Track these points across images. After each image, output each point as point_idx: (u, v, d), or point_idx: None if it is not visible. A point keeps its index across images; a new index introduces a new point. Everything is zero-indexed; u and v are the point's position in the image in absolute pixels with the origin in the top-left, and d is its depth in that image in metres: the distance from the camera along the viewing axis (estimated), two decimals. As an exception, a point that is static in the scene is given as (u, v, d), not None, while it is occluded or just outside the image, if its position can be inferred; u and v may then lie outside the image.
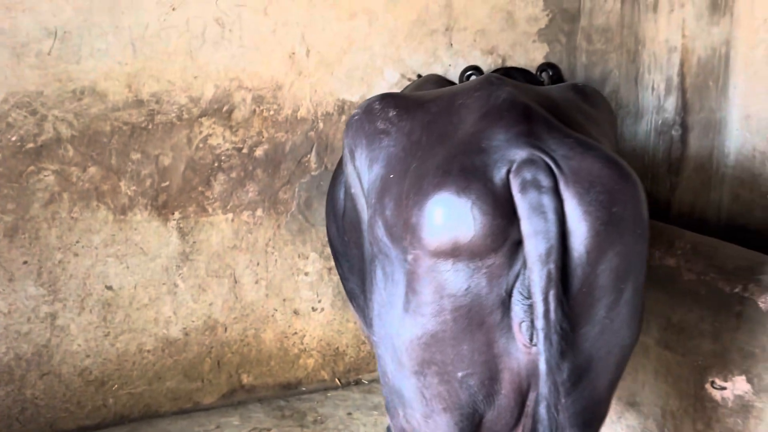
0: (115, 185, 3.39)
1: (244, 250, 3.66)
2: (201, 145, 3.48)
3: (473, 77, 3.55)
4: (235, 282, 3.67)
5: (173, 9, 3.33)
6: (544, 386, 1.64)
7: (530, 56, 4.03)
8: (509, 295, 1.68)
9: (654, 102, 3.92)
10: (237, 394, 3.78)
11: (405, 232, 1.73)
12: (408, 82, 3.75)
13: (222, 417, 3.63)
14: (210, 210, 3.56)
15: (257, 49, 3.50)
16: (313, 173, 3.70)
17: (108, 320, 3.48)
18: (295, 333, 3.85)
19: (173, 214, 3.50)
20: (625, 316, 1.78)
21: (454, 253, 1.65)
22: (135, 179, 3.41)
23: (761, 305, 2.58)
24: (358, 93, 3.72)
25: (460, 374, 1.75)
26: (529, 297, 1.65)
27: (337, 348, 3.95)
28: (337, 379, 3.97)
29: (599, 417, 1.93)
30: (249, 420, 3.61)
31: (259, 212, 3.65)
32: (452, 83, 3.33)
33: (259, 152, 3.59)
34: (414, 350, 1.78)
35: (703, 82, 3.79)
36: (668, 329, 2.98)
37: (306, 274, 3.82)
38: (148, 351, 3.58)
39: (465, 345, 1.72)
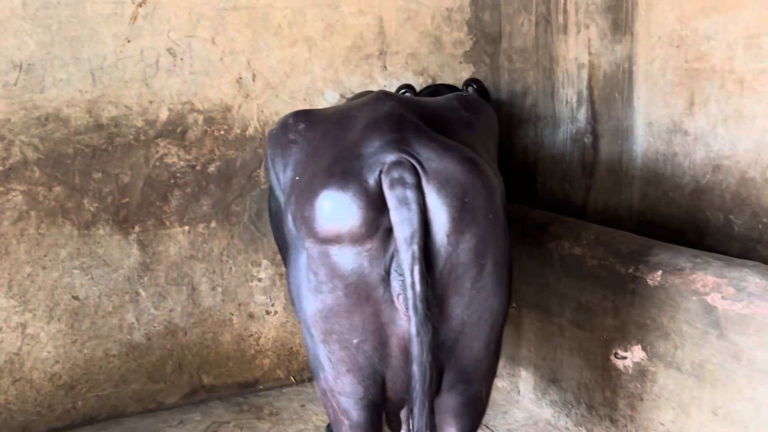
0: (78, 203, 3.69)
1: (200, 259, 3.97)
2: (158, 164, 3.81)
3: (406, 95, 3.95)
4: (193, 289, 3.97)
5: (128, 41, 3.67)
6: (414, 347, 1.99)
7: (458, 76, 4.45)
8: (388, 273, 2.04)
9: (568, 113, 4.36)
10: (198, 394, 4.07)
11: (302, 223, 2.09)
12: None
13: (184, 414, 3.92)
14: (167, 223, 3.87)
15: (207, 75, 3.85)
16: (262, 186, 4.04)
17: (75, 328, 3.76)
18: (251, 335, 4.16)
19: (133, 227, 3.81)
20: (491, 287, 2.14)
21: (338, 240, 2.02)
22: (97, 197, 3.72)
23: (649, 282, 2.99)
24: (301, 113, 4.09)
25: (355, 341, 2.11)
26: (402, 274, 2.00)
27: (291, 348, 4.27)
28: (291, 377, 4.28)
29: (482, 373, 2.27)
30: (210, 415, 3.90)
31: (213, 224, 3.97)
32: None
33: (211, 169, 3.93)
34: (318, 322, 2.14)
35: (609, 95, 4.24)
36: (578, 310, 3.38)
37: (259, 280, 4.15)
38: (114, 356, 3.85)
39: (356, 316, 2.08)
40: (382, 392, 2.21)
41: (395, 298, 2.06)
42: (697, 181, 3.97)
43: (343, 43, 4.14)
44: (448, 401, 2.26)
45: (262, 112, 4.00)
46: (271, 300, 4.19)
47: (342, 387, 2.19)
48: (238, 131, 3.97)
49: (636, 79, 4.24)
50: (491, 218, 2.09)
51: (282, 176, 2.38)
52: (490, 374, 2.34)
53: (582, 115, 4.31)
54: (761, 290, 2.57)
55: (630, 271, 3.08)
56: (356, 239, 2.00)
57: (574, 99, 4.32)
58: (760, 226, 3.64)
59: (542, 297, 3.59)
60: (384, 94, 2.33)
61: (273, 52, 3.98)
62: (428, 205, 2.00)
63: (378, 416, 2.28)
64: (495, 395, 4.01)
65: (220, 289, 4.04)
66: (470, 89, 3.94)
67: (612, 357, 3.21)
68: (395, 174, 1.98)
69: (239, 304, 4.10)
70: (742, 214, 3.71)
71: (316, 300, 2.12)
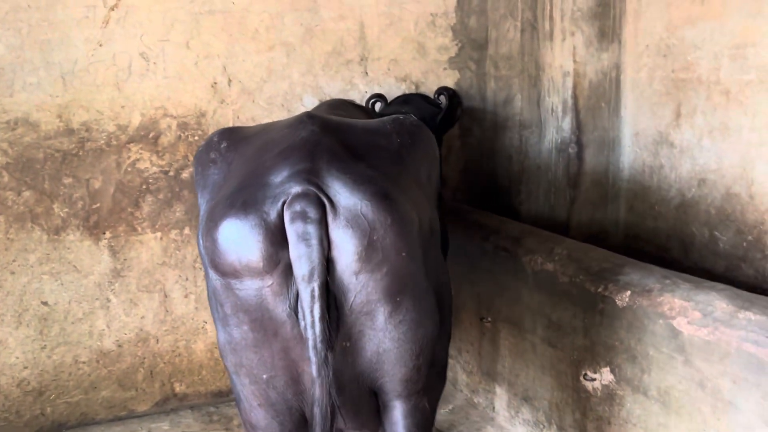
0: (48, 208, 3.65)
1: (173, 266, 3.92)
2: (129, 169, 3.76)
3: (377, 104, 3.87)
4: (165, 296, 3.92)
5: (100, 45, 3.62)
6: (315, 389, 1.89)
7: (442, 82, 4.35)
8: (294, 310, 1.93)
9: (554, 122, 4.25)
10: (170, 402, 4.02)
11: (205, 253, 2.01)
12: (327, 108, 4.05)
13: (153, 423, 3.87)
14: (139, 229, 3.83)
15: (181, 79, 3.79)
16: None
17: (44, 334, 3.73)
18: (226, 343, 4.10)
19: (104, 233, 3.76)
20: (411, 321, 2.04)
21: (237, 274, 1.92)
22: (67, 202, 3.68)
23: (618, 302, 2.88)
24: (279, 118, 4.01)
25: (265, 376, 2.01)
26: None
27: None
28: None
29: (417, 389, 2.17)
30: (179, 425, 3.85)
31: (186, 230, 3.92)
32: (361, 107, 3.63)
33: (185, 174, 3.87)
34: (228, 354, 2.06)
35: (595, 104, 4.13)
36: (550, 327, 3.27)
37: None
38: (84, 362, 3.81)
39: (265, 352, 1.98)
40: (303, 428, 2.11)
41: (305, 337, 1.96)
42: (683, 195, 3.84)
43: (323, 48, 4.06)
44: (390, 414, 2.20)
45: (238, 117, 3.93)
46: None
47: (257, 421, 2.10)
48: (213, 137, 3.91)
49: (623, 89, 4.13)
50: (405, 255, 1.98)
51: (200, 197, 2.28)
52: (431, 386, 2.26)
53: (567, 124, 4.20)
54: (728, 316, 2.45)
55: (599, 290, 2.97)
56: (255, 274, 1.91)
57: (560, 108, 4.21)
58: (744, 244, 3.51)
59: (516, 312, 3.49)
60: (307, 117, 2.18)
61: (250, 57, 3.91)
62: (334, 242, 1.90)
63: None
64: (470, 411, 3.92)
65: (193, 297, 3.99)
66: (442, 98, 3.84)
67: (581, 378, 3.11)
68: (297, 207, 1.87)
69: (213, 312, 4.04)
70: (727, 231, 3.59)
71: (224, 332, 2.04)
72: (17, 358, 3.70)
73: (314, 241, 1.85)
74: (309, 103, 4.07)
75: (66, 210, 3.68)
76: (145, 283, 3.88)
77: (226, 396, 4.12)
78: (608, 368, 2.96)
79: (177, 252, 3.92)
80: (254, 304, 1.93)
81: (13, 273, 3.63)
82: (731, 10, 3.34)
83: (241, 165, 2.14)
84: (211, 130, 3.89)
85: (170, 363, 4.00)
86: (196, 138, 3.88)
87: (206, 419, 3.90)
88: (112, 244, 3.79)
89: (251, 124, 3.96)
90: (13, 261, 3.63)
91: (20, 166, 3.58)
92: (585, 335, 3.07)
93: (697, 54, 3.63)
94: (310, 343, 1.85)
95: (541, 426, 3.42)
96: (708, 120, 3.62)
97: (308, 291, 1.84)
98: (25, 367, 3.72)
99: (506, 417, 3.69)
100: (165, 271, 3.91)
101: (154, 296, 3.91)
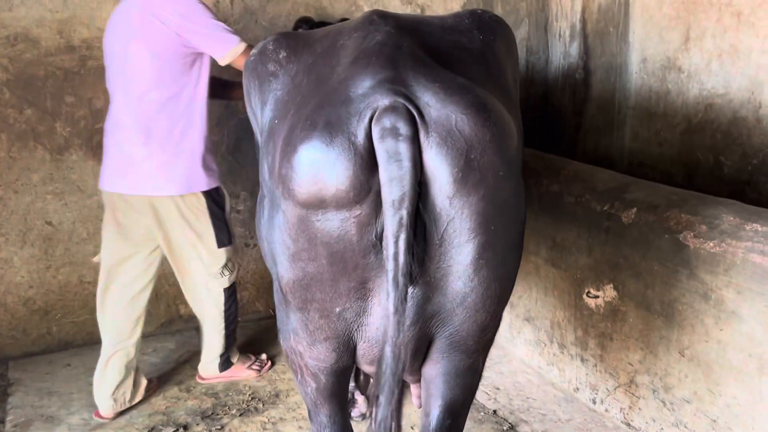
0: (51, 126, 3.62)
1: (177, 188, 3.90)
2: (132, 89, 3.71)
3: (301, 29, 3.48)
4: (170, 218, 3.92)
5: (100, -41, 3.54)
6: (390, 326, 1.69)
7: (448, 5, 4.28)
8: (379, 239, 1.74)
9: (561, 48, 4.19)
10: (175, 324, 4.07)
11: (279, 181, 1.77)
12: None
13: (159, 342, 3.93)
14: (143, 150, 3.79)
15: (183, -3, 3.71)
16: (240, 116, 3.94)
17: (49, 253, 3.74)
18: (229, 267, 4.11)
19: (108, 153, 3.73)
20: (501, 254, 1.83)
21: (321, 204, 1.70)
22: (70, 121, 3.64)
23: (624, 219, 2.89)
24: (282, 40, 3.95)
25: (338, 309, 1.85)
26: None
27: (270, 281, 4.22)
28: (270, 310, 4.26)
29: (483, 344, 1.99)
30: (183, 345, 3.90)
31: (190, 153, 3.89)
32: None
33: (188, 96, 3.82)
34: (297, 291, 1.86)
35: (604, 28, 4.06)
36: (554, 248, 3.30)
37: (238, 212, 4.09)
38: (89, 282, 3.83)
39: (341, 285, 1.80)
40: (353, 359, 2.00)
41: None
42: (689, 121, 3.82)
43: (327, -33, 3.98)
44: (438, 369, 1.98)
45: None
46: (250, 232, 4.14)
47: (317, 354, 1.96)
48: (216, 57, 3.85)
49: (632, 13, 4.05)
50: (502, 175, 1.74)
51: (259, 114, 2.04)
52: (491, 344, 2.05)
53: (574, 49, 4.14)
54: (734, 228, 2.47)
55: (605, 208, 2.98)
56: (343, 204, 1.69)
57: (567, 33, 4.14)
58: (749, 168, 3.51)
59: (520, 235, 3.51)
60: (378, 16, 1.90)
61: (253, -25, 3.83)
62: (426, 162, 1.67)
63: (346, 380, 2.08)
64: (472, 333, 3.97)
65: (197, 220, 3.98)
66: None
67: (584, 296, 3.14)
68: (387, 122, 1.63)
69: (217, 236, 4.04)
70: (732, 155, 3.58)
71: (294, 267, 1.83)
72: (22, 277, 3.72)
73: (407, 162, 1.62)
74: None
75: (69, 129, 3.65)
76: (149, 205, 3.87)
77: (230, 318, 4.16)
78: (611, 285, 3.00)
79: (180, 174, 3.89)
80: (337, 236, 1.73)
81: (16, 192, 3.62)
82: (747, -73, 3.27)
83: (309, 77, 1.89)
84: (213, 51, 3.82)
85: (175, 285, 3.99)
86: (199, 58, 3.81)
87: (211, 339, 3.94)
88: (116, 164, 3.76)
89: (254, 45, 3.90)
90: (17, 180, 3.61)
91: (21, 84, 3.53)
92: (589, 254, 3.09)
93: (709, -26, 3.56)
94: (391, 275, 1.65)
95: (542, 345, 3.47)
96: (717, 43, 3.57)
97: (396, 218, 1.63)
98: (31, 287, 3.74)
99: (507, 338, 3.74)
100: (169, 193, 3.89)
101: (158, 218, 3.90)
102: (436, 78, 1.74)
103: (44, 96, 3.57)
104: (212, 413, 3.23)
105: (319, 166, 1.67)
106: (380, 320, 1.86)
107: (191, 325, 4.07)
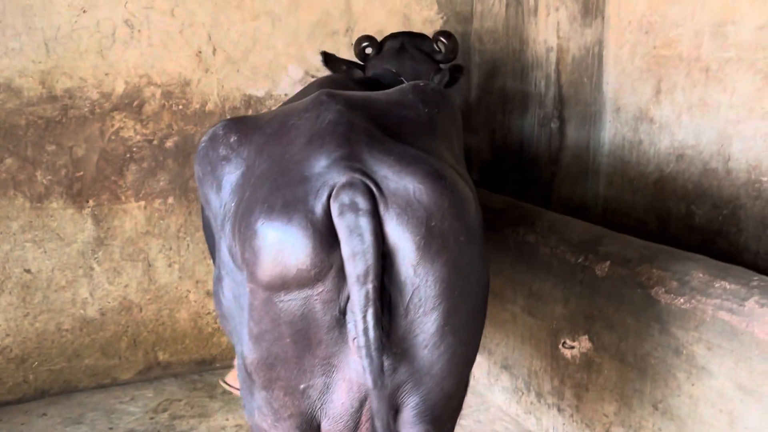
0: (31, 175, 3.63)
1: (156, 235, 3.92)
2: (113, 137, 3.75)
3: (368, 49, 3.52)
4: (149, 265, 3.93)
5: (84, 11, 3.59)
6: (373, 400, 1.73)
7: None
8: (343, 314, 1.75)
9: (536, 97, 4.29)
10: (153, 371, 4.05)
11: (243, 264, 1.78)
12: (312, 79, 4.05)
13: (137, 390, 3.90)
14: (123, 198, 3.82)
15: (165, 47, 3.77)
16: (221, 163, 3.97)
17: (27, 301, 3.72)
18: (209, 313, 4.12)
19: (88, 201, 3.75)
20: (466, 318, 1.85)
21: (284, 286, 1.70)
22: (50, 169, 3.66)
23: (597, 272, 2.95)
24: (263, 88, 4.02)
25: (302, 386, 1.84)
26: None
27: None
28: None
29: (451, 412, 2.00)
30: (162, 393, 3.88)
31: (170, 200, 3.92)
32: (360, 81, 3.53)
33: (169, 144, 3.86)
34: (261, 370, 1.86)
35: (578, 79, 4.17)
36: (530, 297, 3.35)
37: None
38: (67, 330, 3.82)
39: (306, 362, 1.80)
40: None
41: (350, 342, 1.78)
42: (661, 170, 3.92)
43: (308, 18, 4.05)
44: None
45: (222, 87, 3.93)
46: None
47: (281, 431, 1.94)
48: (197, 106, 3.90)
49: (606, 64, 4.17)
50: (463, 240, 1.79)
51: (214, 198, 2.05)
52: (458, 412, 2.05)
53: (549, 99, 4.24)
54: (703, 285, 2.53)
55: (580, 260, 3.04)
56: (305, 283, 1.70)
57: (543, 82, 4.25)
58: (720, 218, 3.60)
59: (497, 284, 3.56)
60: (327, 95, 1.93)
61: (234, 26, 3.90)
62: (388, 234, 1.69)
63: None
64: (451, 380, 3.99)
65: (177, 266, 4.00)
66: (440, 44, 3.54)
67: (560, 346, 3.19)
68: (345, 198, 1.65)
69: (197, 282, 4.06)
70: (703, 205, 3.67)
71: (259, 348, 1.83)
72: (0, 325, 3.69)
73: (368, 236, 1.64)
74: (294, 73, 4.07)
75: (49, 177, 3.66)
76: (129, 252, 3.88)
77: (209, 364, 4.16)
78: (587, 336, 3.04)
79: (161, 221, 3.92)
80: (301, 315, 1.73)
81: (-5, 240, 3.62)
82: (713, -12, 3.39)
83: (261, 158, 1.91)
84: (195, 100, 3.89)
85: (154, 332, 4.02)
86: (180, 107, 3.87)
87: (190, 387, 3.93)
88: (96, 212, 3.78)
89: (236, 93, 3.97)
90: (-4, 228, 3.61)
91: (2, 133, 3.55)
92: (565, 305, 3.14)
93: (678, 31, 3.68)
94: (364, 351, 1.66)
95: (520, 393, 3.50)
96: (687, 97, 3.69)
97: (362, 293, 1.64)
98: (8, 335, 3.72)
99: (485, 384, 3.77)
100: (148, 240, 3.91)
101: (138, 265, 3.91)
102: (390, 151, 1.79)
103: (25, 144, 3.59)
104: (190, 465, 3.22)
105: (279, 248, 1.68)
106: (345, 395, 1.86)
107: (169, 372, 4.06)
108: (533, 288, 3.32)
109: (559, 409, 3.25)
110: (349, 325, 1.76)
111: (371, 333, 1.65)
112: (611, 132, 4.24)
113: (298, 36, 4.04)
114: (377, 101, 2.09)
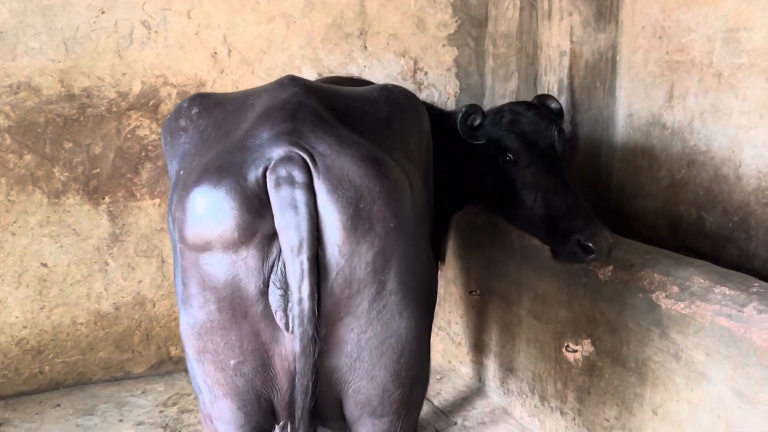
0: (49, 171, 3.72)
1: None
2: (129, 136, 3.83)
3: (472, 118, 3.15)
4: (163, 262, 4.00)
5: (102, 12, 3.67)
6: (298, 371, 1.73)
7: (441, 58, 4.40)
8: (267, 286, 1.75)
9: (549, 101, 4.29)
10: (165, 365, 4.12)
11: (175, 225, 1.82)
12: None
13: (148, 384, 3.98)
14: (138, 195, 3.90)
15: (182, 48, 3.84)
16: (235, 163, 4.03)
17: (43, 294, 3.82)
18: (221, 310, 4.18)
19: (104, 198, 3.84)
20: (395, 307, 1.84)
21: (208, 246, 1.72)
22: (68, 166, 3.75)
23: (600, 276, 2.95)
24: (277, 90, 4.07)
25: (232, 362, 1.83)
26: (282, 287, 1.73)
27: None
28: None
29: (393, 406, 1.95)
30: (173, 387, 3.95)
31: (184, 198, 3.98)
32: (363, 82, 3.61)
33: (184, 143, 3.93)
34: (190, 339, 1.86)
35: (591, 83, 4.17)
36: (535, 300, 3.35)
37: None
38: (81, 323, 3.91)
39: (232, 334, 1.80)
40: (270, 419, 1.94)
41: (274, 315, 1.78)
42: (672, 176, 3.90)
43: (323, 21, 4.10)
44: None
45: (237, 87, 3.99)
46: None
47: (220, 413, 1.91)
48: (212, 106, 3.96)
49: (619, 69, 4.16)
50: (393, 227, 1.78)
51: (170, 168, 2.11)
52: (408, 407, 1.99)
53: (562, 103, 4.24)
54: (703, 290, 2.52)
55: (583, 264, 3.04)
56: (229, 246, 1.71)
57: (555, 87, 4.25)
58: (730, 224, 3.57)
59: (504, 285, 3.57)
60: (289, 79, 2.00)
61: (250, 28, 3.96)
62: (319, 209, 1.71)
63: None
64: (457, 381, 4.01)
65: (189, 263, 4.06)
66: (553, 105, 3.43)
67: (564, 350, 3.19)
68: (282, 171, 1.69)
69: (209, 279, 4.12)
70: (713, 211, 3.65)
71: (186, 314, 1.84)
72: (17, 317, 3.79)
73: (303, 208, 1.67)
74: (308, 76, 4.11)
75: (66, 174, 3.75)
76: (143, 248, 3.96)
77: (220, 361, 4.21)
78: (589, 340, 3.04)
79: (174, 218, 3.98)
80: (224, 280, 1.74)
81: (13, 234, 3.71)
82: (726, -6, 3.37)
83: (215, 131, 1.96)
84: (210, 100, 3.95)
85: (166, 327, 4.09)
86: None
87: (200, 382, 3.99)
88: (111, 209, 3.86)
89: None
90: (14, 222, 3.71)
91: (22, 130, 3.64)
92: (569, 308, 3.14)
93: (691, 37, 3.66)
94: (296, 321, 1.69)
95: (525, 396, 3.50)
96: (700, 102, 3.67)
97: (297, 264, 1.66)
98: (24, 327, 3.81)
99: (492, 387, 3.78)
100: (163, 237, 3.98)
101: (152, 261, 3.99)
102: (333, 133, 1.82)
103: (44, 142, 3.69)
104: (195, 458, 3.27)
105: (205, 207, 1.71)
106: (282, 371, 1.86)
107: (181, 367, 4.13)
108: (538, 291, 3.32)
109: (562, 413, 3.25)
110: (272, 297, 1.76)
111: (306, 304, 1.68)
112: (624, 137, 4.22)
113: (312, 38, 4.10)
114: (339, 92, 2.13)
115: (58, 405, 3.75)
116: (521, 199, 2.99)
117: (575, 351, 3.12)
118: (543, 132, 3.06)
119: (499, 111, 3.18)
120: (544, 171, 2.99)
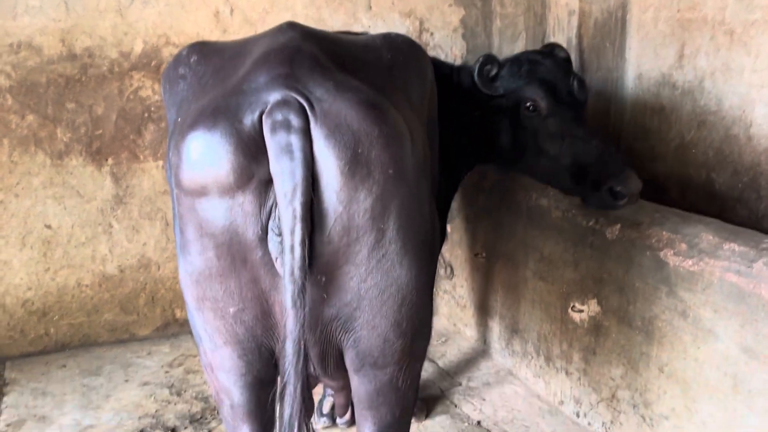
0: (51, 132, 3.69)
1: (174, 194, 3.97)
2: (132, 97, 3.79)
3: (489, 69, 3.05)
4: (167, 224, 3.99)
5: (103, -31, 3.62)
6: (288, 321, 1.68)
7: (447, 19, 4.32)
8: (266, 232, 1.72)
9: (557, 62, 4.22)
10: (170, 327, 4.13)
11: (171, 171, 1.79)
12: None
13: (154, 346, 3.99)
14: (141, 157, 3.87)
15: (183, 7, 3.78)
16: (238, 124, 3.99)
17: (48, 256, 3.81)
18: (226, 273, 4.17)
19: (107, 160, 3.81)
20: (394, 256, 1.80)
21: (204, 191, 1.70)
22: (70, 127, 3.72)
23: (608, 235, 2.92)
24: (281, 51, 4.01)
25: (232, 310, 1.81)
26: (280, 233, 1.69)
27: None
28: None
29: (394, 357, 1.92)
30: (178, 348, 3.96)
31: (188, 160, 3.95)
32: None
33: (187, 104, 3.89)
34: (189, 287, 1.84)
35: (600, 43, 4.09)
36: (541, 261, 3.32)
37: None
38: (86, 285, 3.91)
39: (231, 282, 1.77)
40: (271, 368, 1.91)
41: (274, 261, 1.75)
42: (682, 137, 3.84)
43: (327, -21, 4.03)
44: (358, 389, 1.97)
45: (240, 48, 3.93)
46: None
47: (221, 362, 1.89)
48: (215, 67, 3.91)
49: (629, 29, 4.07)
50: (392, 174, 1.74)
51: (169, 115, 2.07)
52: (409, 358, 1.96)
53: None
54: (712, 247, 2.49)
55: (590, 223, 3.01)
56: (225, 190, 1.68)
57: (564, 46, 4.17)
58: (740, 185, 3.52)
59: (510, 247, 3.54)
60: (288, 25, 1.94)
61: (253, -13, 3.90)
62: (316, 155, 1.67)
63: (265, 397, 1.94)
64: (462, 343, 4.00)
65: (194, 226, 4.04)
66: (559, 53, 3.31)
67: (570, 310, 3.17)
68: (278, 115, 1.65)
69: (214, 242, 4.10)
70: (723, 172, 3.59)
71: (186, 262, 1.82)
72: (21, 279, 3.79)
73: (298, 154, 1.64)
74: (312, 36, 4.05)
75: (69, 135, 3.72)
76: (147, 211, 3.94)
77: (225, 323, 4.21)
78: (595, 300, 3.02)
79: (178, 181, 3.96)
80: (221, 226, 1.72)
81: (17, 195, 3.70)
82: (740, -53, 3.29)
83: (213, 77, 1.92)
84: (213, 60, 3.90)
85: (171, 289, 4.09)
86: (199, 67, 3.88)
87: (205, 344, 4.00)
88: (115, 170, 3.84)
89: (253, 55, 3.96)
90: (17, 184, 3.69)
91: (23, 90, 3.61)
92: (575, 268, 3.12)
93: (703, -7, 3.58)
94: (287, 268, 1.65)
95: (530, 357, 3.49)
96: (711, 61, 3.59)
97: (289, 210, 1.63)
98: (29, 288, 3.82)
99: (497, 349, 3.77)
100: (167, 199, 3.96)
101: (156, 224, 3.97)
102: (331, 77, 1.77)
103: (46, 102, 3.65)
104: (201, 417, 3.28)
105: (200, 151, 1.67)
106: (283, 319, 1.80)
107: (186, 330, 4.13)
108: (544, 252, 3.29)
109: (567, 373, 3.24)
110: (271, 244, 1.73)
111: (297, 251, 1.64)
112: (633, 98, 4.15)
113: (316, -3, 4.03)
114: (339, 39, 2.09)
115: (64, 366, 3.77)
116: (545, 149, 2.92)
117: (581, 311, 3.10)
118: (563, 80, 3.00)
119: (516, 60, 3.09)
120: (568, 119, 2.92)
